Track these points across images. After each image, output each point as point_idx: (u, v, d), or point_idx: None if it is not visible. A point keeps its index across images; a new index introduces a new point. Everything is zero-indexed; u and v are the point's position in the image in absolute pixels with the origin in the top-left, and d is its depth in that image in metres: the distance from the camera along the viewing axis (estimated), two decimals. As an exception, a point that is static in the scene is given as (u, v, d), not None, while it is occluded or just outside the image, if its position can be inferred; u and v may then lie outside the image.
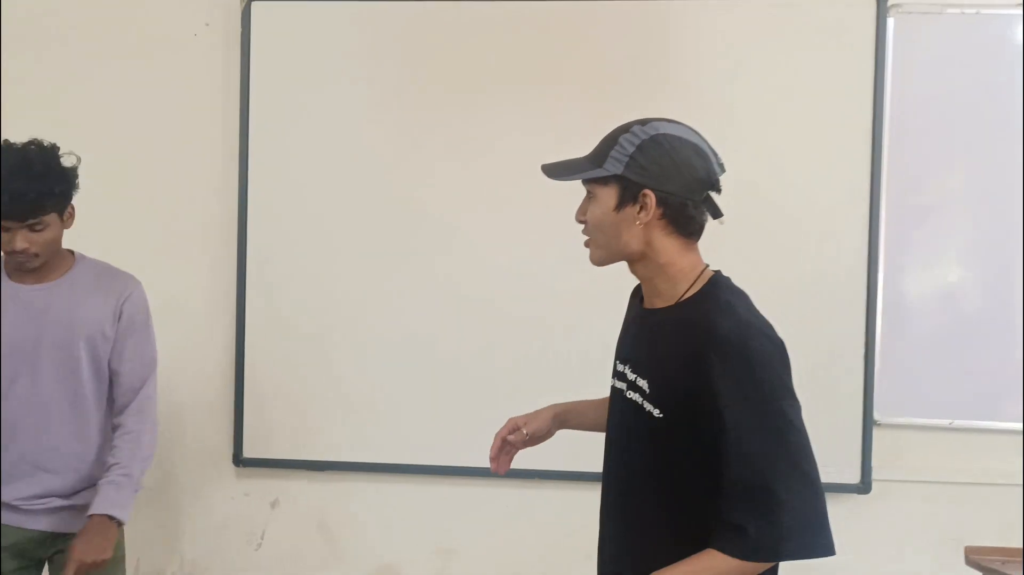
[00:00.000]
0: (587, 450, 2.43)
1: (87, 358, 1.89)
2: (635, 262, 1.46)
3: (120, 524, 1.86)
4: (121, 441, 1.90)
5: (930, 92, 2.48)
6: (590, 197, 1.46)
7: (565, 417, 1.73)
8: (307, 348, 2.55)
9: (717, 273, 1.45)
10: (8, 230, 1.82)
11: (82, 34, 2.65)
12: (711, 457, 1.32)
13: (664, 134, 1.40)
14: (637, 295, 1.55)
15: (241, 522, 2.64)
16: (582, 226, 1.46)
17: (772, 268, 2.41)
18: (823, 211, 2.48)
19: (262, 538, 2.64)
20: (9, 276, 1.91)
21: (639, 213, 1.38)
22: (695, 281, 1.42)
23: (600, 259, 1.49)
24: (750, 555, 1.30)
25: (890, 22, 2.43)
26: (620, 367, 1.52)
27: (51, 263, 1.91)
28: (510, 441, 1.68)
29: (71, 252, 1.97)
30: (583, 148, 1.46)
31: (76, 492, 1.91)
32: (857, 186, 2.46)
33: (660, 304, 1.45)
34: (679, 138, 1.40)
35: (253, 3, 2.53)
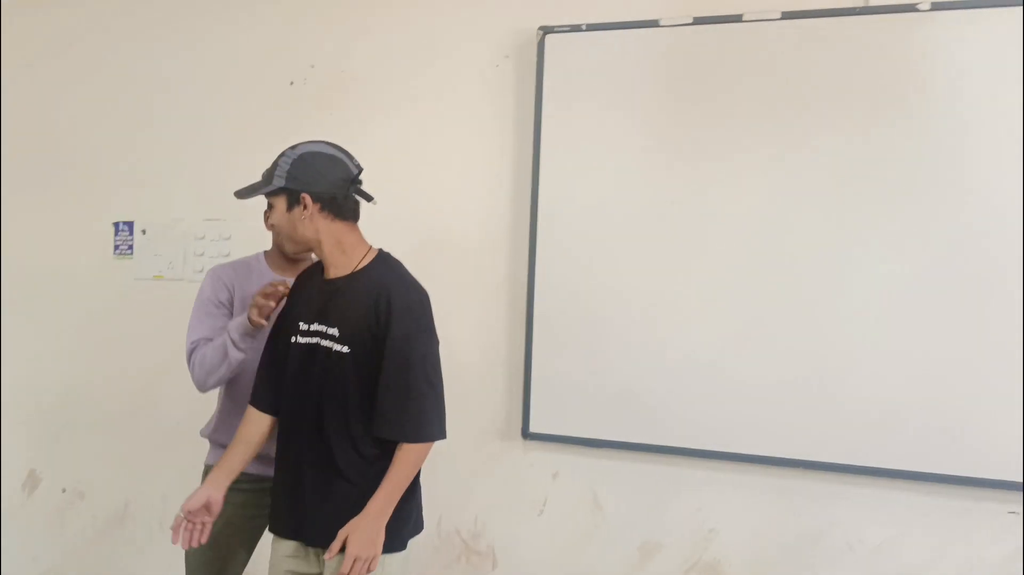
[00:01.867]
0: (851, 444, 2.56)
1: None
2: (316, 247, 2.07)
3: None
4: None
5: None
6: (270, 207, 2.14)
7: (221, 482, 2.11)
8: (586, 336, 2.82)
9: (381, 249, 2.11)
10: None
11: (384, 75, 3.11)
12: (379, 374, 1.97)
13: (307, 152, 2.04)
14: (311, 276, 2.14)
15: (526, 490, 2.96)
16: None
17: None
18: None
19: (544, 506, 2.97)
20: None
21: (303, 211, 2.02)
22: (365, 255, 2.07)
23: (293, 251, 2.18)
24: (414, 437, 2.00)
25: None
26: (304, 326, 2.06)
27: None
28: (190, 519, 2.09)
29: None
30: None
31: None
32: None
33: (339, 274, 2.05)
34: (317, 153, 2.04)
35: (548, 36, 2.85)
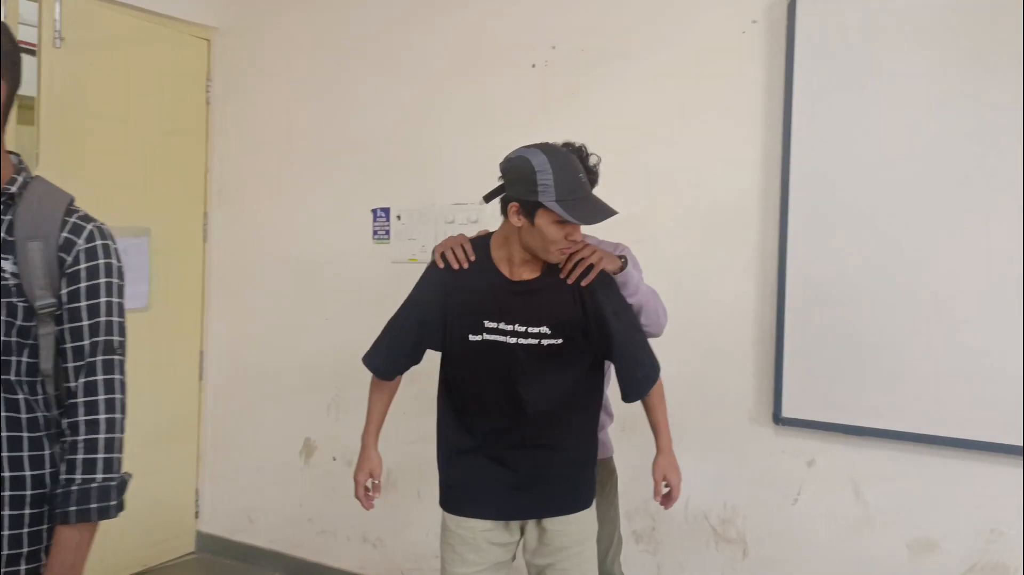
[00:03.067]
0: None
1: None
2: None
3: None
4: None
5: None
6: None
7: (375, 441, 2.39)
8: (845, 316, 2.65)
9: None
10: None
11: (625, 51, 3.05)
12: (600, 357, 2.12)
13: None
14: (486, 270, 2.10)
15: (779, 477, 2.83)
16: None
17: None
18: None
19: (798, 494, 2.82)
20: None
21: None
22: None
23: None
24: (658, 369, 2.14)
25: None
26: (493, 324, 2.05)
27: None
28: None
29: None
30: None
31: None
32: None
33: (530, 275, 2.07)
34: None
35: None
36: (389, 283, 3.63)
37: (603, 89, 3.10)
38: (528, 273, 2.06)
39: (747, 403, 2.88)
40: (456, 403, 2.18)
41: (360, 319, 3.76)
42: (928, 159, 2.52)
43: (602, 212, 1.96)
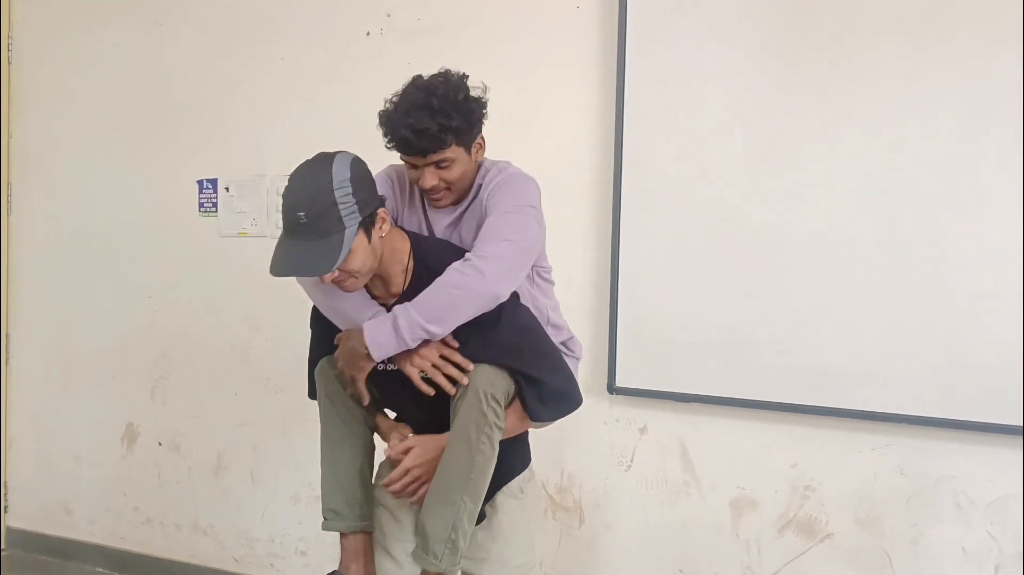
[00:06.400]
0: (964, 399, 2.42)
1: None
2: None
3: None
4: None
5: None
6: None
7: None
8: (676, 289, 2.74)
9: None
10: (415, 167, 1.85)
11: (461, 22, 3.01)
12: None
13: None
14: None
15: (613, 444, 2.91)
16: None
17: None
18: None
19: (631, 461, 2.92)
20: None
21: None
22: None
23: None
24: None
25: None
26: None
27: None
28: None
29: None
30: None
31: None
32: None
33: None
34: None
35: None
36: (217, 258, 3.47)
37: (439, 59, 3.04)
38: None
39: (582, 374, 2.93)
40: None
41: (186, 296, 3.59)
42: (757, 124, 2.63)
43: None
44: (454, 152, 1.83)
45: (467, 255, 1.78)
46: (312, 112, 3.23)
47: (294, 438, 3.32)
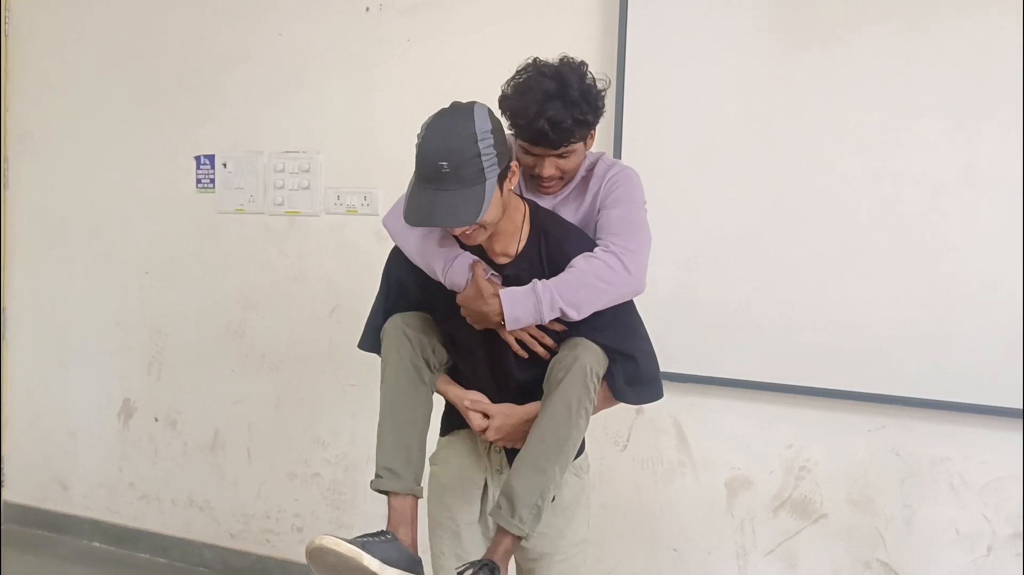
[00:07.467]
0: (958, 381, 2.42)
1: None
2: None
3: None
4: None
5: None
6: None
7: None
8: (668, 274, 2.72)
9: None
10: (537, 155, 1.79)
11: None
12: None
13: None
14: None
15: (610, 424, 2.91)
16: None
17: None
18: None
19: (627, 440, 2.92)
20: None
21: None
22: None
23: None
24: None
25: None
26: None
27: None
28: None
29: None
30: None
31: None
32: None
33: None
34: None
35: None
36: (215, 234, 3.46)
37: (438, 35, 3.03)
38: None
39: (580, 354, 2.94)
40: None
41: (183, 272, 3.58)
42: (748, 122, 2.61)
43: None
44: (577, 144, 1.79)
45: (610, 244, 1.76)
46: (311, 88, 3.21)
47: (289, 415, 3.34)
